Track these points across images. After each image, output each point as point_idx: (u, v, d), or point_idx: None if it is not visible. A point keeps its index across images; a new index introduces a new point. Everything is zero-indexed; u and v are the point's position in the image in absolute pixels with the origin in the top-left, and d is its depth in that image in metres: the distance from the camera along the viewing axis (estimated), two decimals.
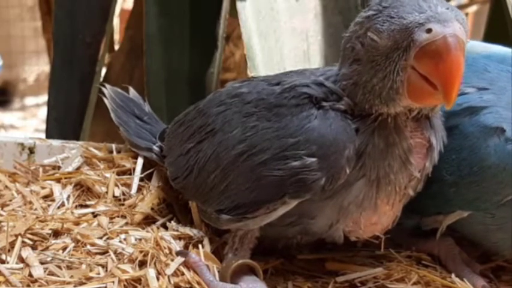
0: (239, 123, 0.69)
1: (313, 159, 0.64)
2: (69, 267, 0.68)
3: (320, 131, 0.65)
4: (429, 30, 0.60)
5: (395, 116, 0.66)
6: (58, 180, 0.86)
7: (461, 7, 2.04)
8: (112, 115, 0.92)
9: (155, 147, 0.86)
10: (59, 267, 0.68)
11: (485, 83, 0.73)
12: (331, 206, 0.67)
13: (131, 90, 0.97)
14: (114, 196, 0.83)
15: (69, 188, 0.84)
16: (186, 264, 0.68)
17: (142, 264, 0.67)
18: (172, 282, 0.65)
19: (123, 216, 0.79)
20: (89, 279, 0.65)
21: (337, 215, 0.68)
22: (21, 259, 0.69)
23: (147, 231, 0.74)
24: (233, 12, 1.11)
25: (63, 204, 0.81)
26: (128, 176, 0.87)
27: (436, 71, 0.60)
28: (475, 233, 0.76)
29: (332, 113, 0.66)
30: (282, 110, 0.67)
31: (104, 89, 0.94)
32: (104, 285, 0.64)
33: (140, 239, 0.72)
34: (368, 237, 0.73)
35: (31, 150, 0.93)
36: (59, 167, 0.90)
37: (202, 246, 0.71)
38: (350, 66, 0.67)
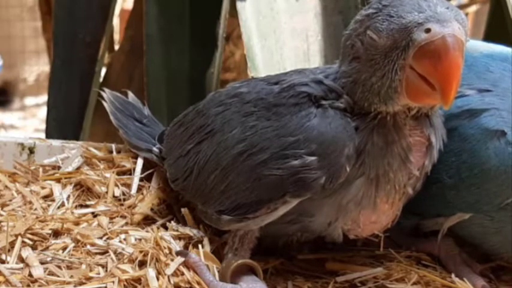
0: (238, 123, 0.69)
1: (313, 158, 0.64)
2: (69, 267, 0.68)
3: (319, 130, 0.65)
4: (428, 30, 0.60)
5: (394, 115, 0.66)
6: (58, 180, 0.86)
7: (461, 7, 2.04)
8: (111, 118, 0.92)
9: (155, 149, 0.86)
10: (59, 267, 0.68)
11: (488, 84, 0.72)
12: (330, 205, 0.67)
13: (130, 94, 0.97)
14: (114, 196, 0.83)
15: (69, 188, 0.84)
16: (186, 264, 0.68)
17: (142, 264, 0.67)
18: (172, 282, 0.65)
19: (123, 216, 0.79)
20: (89, 279, 0.65)
21: (336, 213, 0.68)
22: (21, 259, 0.69)
23: (147, 231, 0.74)
24: (233, 12, 1.11)
25: (63, 204, 0.81)
26: (128, 176, 0.87)
27: (434, 71, 0.60)
28: (473, 235, 0.76)
29: (331, 112, 0.66)
30: (281, 109, 0.67)
31: (103, 93, 0.94)
32: (104, 285, 0.64)
33: (140, 239, 0.72)
34: (367, 236, 0.73)
35: (31, 150, 0.93)
36: (59, 167, 0.90)
37: (202, 246, 0.71)
38: (350, 63, 0.67)
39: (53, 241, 0.72)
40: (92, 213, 0.80)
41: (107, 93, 0.94)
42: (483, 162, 0.69)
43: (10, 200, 0.82)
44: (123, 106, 0.94)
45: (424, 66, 0.61)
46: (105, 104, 0.94)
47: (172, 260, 0.68)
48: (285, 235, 0.73)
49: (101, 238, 0.73)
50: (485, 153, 0.69)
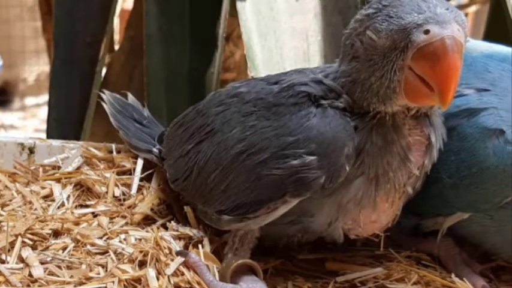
0: (238, 122, 0.69)
1: (313, 158, 0.64)
2: (69, 267, 0.68)
3: (319, 129, 0.65)
4: (427, 32, 0.60)
5: (393, 114, 0.66)
6: (58, 180, 0.86)
7: (461, 7, 2.04)
8: (111, 119, 0.92)
9: (155, 149, 0.86)
10: (59, 267, 0.68)
11: (487, 83, 0.72)
12: (329, 204, 0.68)
13: (130, 95, 0.97)
14: (114, 196, 0.83)
15: (69, 188, 0.84)
16: (186, 264, 0.68)
17: (142, 264, 0.67)
18: (172, 282, 0.65)
19: (123, 216, 0.79)
20: (89, 279, 0.65)
21: (336, 213, 0.68)
22: (21, 259, 0.69)
23: (147, 231, 0.74)
24: (233, 12, 1.11)
25: (63, 204, 0.81)
26: (128, 176, 0.87)
27: (433, 73, 0.60)
28: (473, 234, 0.76)
29: (331, 111, 0.66)
30: (281, 109, 0.67)
31: (102, 95, 0.94)
32: (104, 285, 0.64)
33: (140, 239, 0.72)
34: (368, 235, 0.73)
35: (31, 150, 0.93)
36: (59, 167, 0.90)
37: (202, 246, 0.71)
38: (349, 63, 0.67)
39: (53, 241, 0.72)
40: (92, 213, 0.80)
41: (106, 95, 0.94)
42: (482, 161, 0.69)
43: (10, 200, 0.82)
44: (122, 108, 0.94)
45: (423, 67, 0.61)
46: (105, 105, 0.94)
47: (172, 260, 0.68)
48: (286, 236, 0.73)
49: (101, 238, 0.73)
50: (484, 152, 0.69)
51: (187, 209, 0.76)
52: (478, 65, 0.75)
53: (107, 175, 0.86)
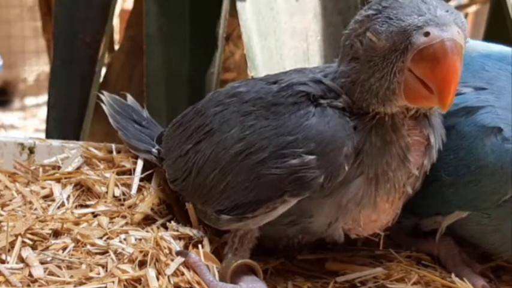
0: (237, 122, 0.69)
1: (312, 157, 0.64)
2: (69, 267, 0.68)
3: (318, 129, 0.65)
4: (427, 34, 0.60)
5: (392, 115, 0.66)
6: (58, 180, 0.86)
7: (461, 7, 2.04)
8: (110, 120, 0.92)
9: (154, 150, 0.86)
10: (59, 267, 0.68)
11: (483, 82, 0.73)
12: (329, 204, 0.68)
13: (129, 96, 0.97)
14: (114, 196, 0.83)
15: (69, 188, 0.84)
16: (186, 264, 0.68)
17: (142, 264, 0.67)
18: (172, 282, 0.65)
19: (123, 216, 0.79)
20: (89, 279, 0.65)
21: (336, 213, 0.68)
22: (21, 259, 0.69)
23: (147, 231, 0.75)
24: (233, 12, 1.11)
25: (63, 204, 0.81)
26: (128, 176, 0.87)
27: (432, 75, 0.60)
28: (471, 234, 0.76)
29: (330, 111, 0.66)
30: (280, 109, 0.67)
31: (101, 96, 0.94)
32: (104, 285, 0.64)
33: (140, 239, 0.72)
34: (368, 235, 0.73)
35: (31, 150, 0.93)
36: (59, 167, 0.90)
37: (202, 247, 0.71)
38: (349, 63, 0.67)
39: (53, 241, 0.72)
40: (92, 213, 0.80)
41: (105, 96, 0.94)
42: (480, 159, 0.69)
43: (10, 200, 0.82)
44: (122, 109, 0.94)
45: (422, 69, 0.61)
46: (104, 106, 0.94)
47: (172, 260, 0.68)
48: (286, 237, 0.73)
49: (101, 238, 0.73)
50: (482, 150, 0.69)
51: (188, 205, 0.76)
52: (475, 64, 0.75)
53: (107, 175, 0.86)
